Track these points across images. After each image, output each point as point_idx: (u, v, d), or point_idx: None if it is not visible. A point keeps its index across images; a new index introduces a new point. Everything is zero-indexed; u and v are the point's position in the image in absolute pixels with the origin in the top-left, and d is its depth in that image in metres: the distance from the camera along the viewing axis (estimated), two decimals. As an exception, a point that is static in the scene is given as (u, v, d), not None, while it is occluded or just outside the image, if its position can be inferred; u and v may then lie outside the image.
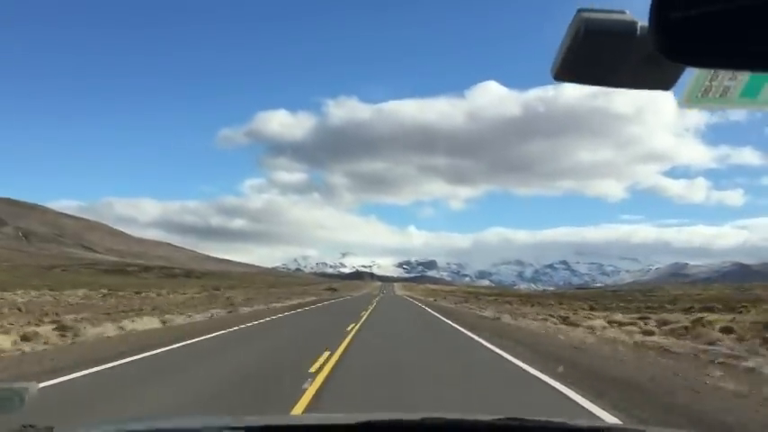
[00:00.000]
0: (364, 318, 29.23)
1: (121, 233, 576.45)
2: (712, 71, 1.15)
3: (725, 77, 1.16)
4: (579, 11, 1.06)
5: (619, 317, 27.02)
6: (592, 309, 42.16)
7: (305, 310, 39.17)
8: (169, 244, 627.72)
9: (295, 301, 53.82)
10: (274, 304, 44.71)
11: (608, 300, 79.56)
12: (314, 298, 70.25)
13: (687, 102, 1.19)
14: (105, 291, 62.11)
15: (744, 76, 1.15)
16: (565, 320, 25.86)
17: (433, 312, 39.52)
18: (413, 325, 26.78)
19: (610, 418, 7.53)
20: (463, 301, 68.63)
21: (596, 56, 1.07)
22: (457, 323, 26.36)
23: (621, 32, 1.05)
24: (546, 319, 26.84)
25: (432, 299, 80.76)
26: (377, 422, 2.34)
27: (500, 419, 2.34)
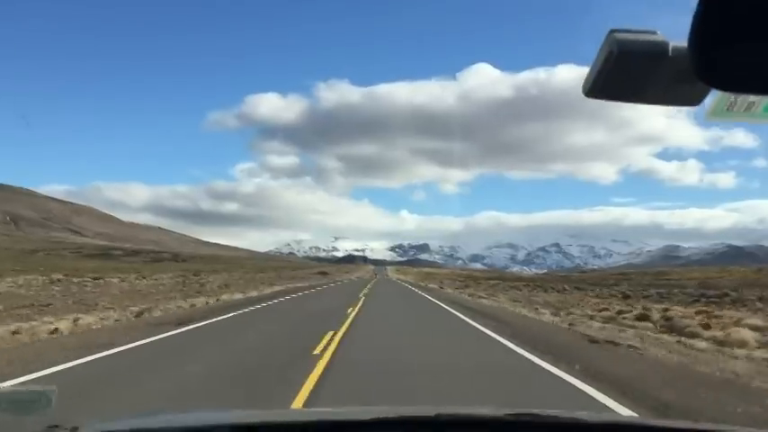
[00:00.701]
0: (340, 334, 15.34)
1: (111, 217, 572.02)
2: None
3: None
4: (612, 31, 1.08)
5: (758, 321, 18.75)
6: (626, 297, 35.03)
7: (260, 307, 25.25)
8: (160, 228, 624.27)
9: (272, 290, 46.67)
10: (236, 295, 34.93)
11: (624, 285, 72.46)
12: (295, 285, 63.38)
13: (713, 116, 1.21)
14: (60, 276, 54.96)
15: None
16: (664, 326, 17.62)
17: (456, 314, 23.83)
18: (451, 363, 11.66)
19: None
20: (464, 287, 61.96)
21: (628, 75, 1.09)
22: (527, 347, 13.18)
23: (653, 53, 1.07)
24: (612, 318, 19.35)
25: (434, 285, 73.03)
26: (391, 418, 2.30)
27: (511, 414, 2.35)
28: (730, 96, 1.18)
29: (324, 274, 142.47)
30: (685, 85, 1.08)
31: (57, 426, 2.06)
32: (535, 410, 2.42)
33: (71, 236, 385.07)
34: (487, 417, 2.43)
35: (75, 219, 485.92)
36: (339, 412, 2.74)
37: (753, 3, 0.85)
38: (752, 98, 1.18)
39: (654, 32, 1.08)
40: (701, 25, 0.87)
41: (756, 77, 0.90)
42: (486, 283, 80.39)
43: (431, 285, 68.48)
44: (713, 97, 1.19)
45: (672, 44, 1.06)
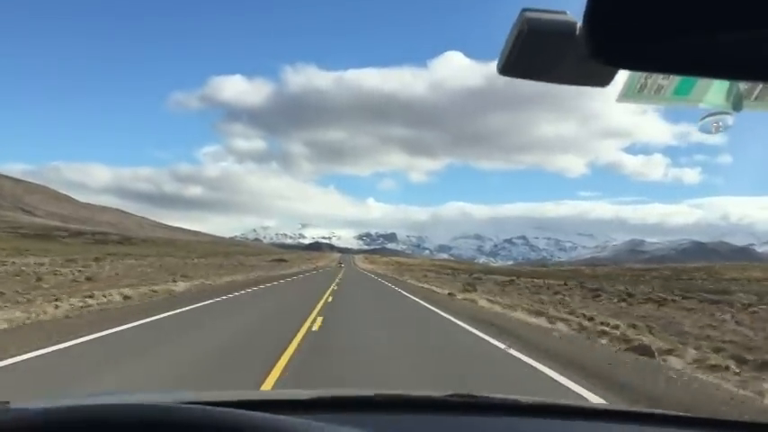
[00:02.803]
0: None
1: (67, 197, 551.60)
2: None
3: (659, 76, 1.23)
4: (523, 10, 1.10)
5: None
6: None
7: None
8: (119, 210, 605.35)
9: (164, 290, 25.57)
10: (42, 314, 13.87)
11: (629, 281, 53.01)
12: (224, 279, 42.93)
13: (623, 98, 1.26)
14: None
15: (676, 76, 1.22)
16: None
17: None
18: None
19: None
20: (470, 289, 41.38)
21: (538, 54, 1.12)
22: None
23: (561, 32, 1.09)
24: None
25: (419, 283, 51.83)
26: (329, 398, 2.34)
27: (452, 395, 2.39)
28: (640, 79, 1.23)
29: (280, 261, 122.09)
30: (593, 66, 1.07)
31: None
32: (474, 393, 2.41)
33: (21, 215, 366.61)
34: (423, 398, 2.45)
35: (27, 198, 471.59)
36: (278, 393, 2.61)
37: None
38: (661, 81, 1.23)
39: (563, 13, 1.10)
40: (591, 3, 0.91)
41: (645, 54, 0.92)
42: (489, 279, 60.06)
43: (422, 284, 43.35)
44: (624, 80, 1.23)
45: (579, 25, 1.06)
